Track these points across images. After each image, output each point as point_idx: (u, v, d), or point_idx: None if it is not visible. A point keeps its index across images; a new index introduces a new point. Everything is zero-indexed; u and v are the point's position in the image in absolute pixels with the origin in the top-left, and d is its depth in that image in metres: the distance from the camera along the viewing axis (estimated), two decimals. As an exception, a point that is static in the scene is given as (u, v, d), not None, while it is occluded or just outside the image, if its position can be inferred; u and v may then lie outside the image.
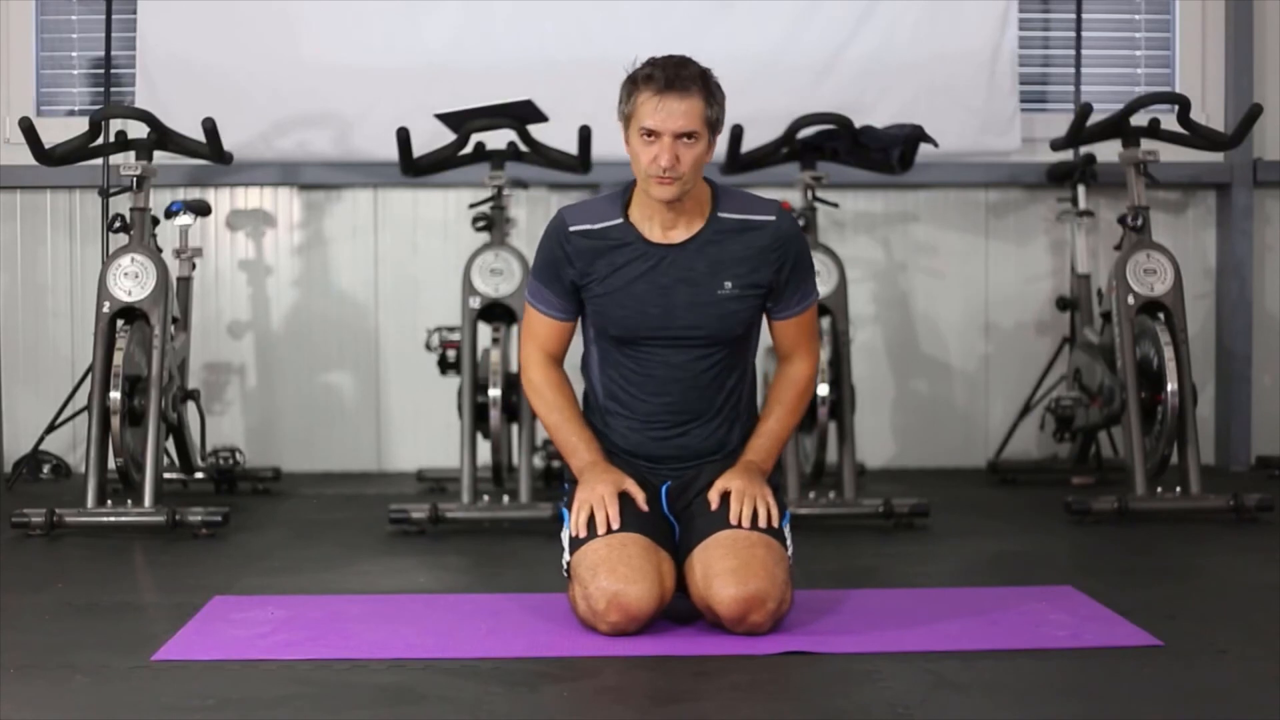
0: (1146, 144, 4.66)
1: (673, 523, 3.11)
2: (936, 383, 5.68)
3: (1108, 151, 4.98)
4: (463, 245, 5.20)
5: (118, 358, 4.24)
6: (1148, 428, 4.49)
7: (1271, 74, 5.60)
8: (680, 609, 3.05)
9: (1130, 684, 2.66)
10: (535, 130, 4.71)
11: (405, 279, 5.59)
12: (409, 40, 5.42)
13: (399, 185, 5.49)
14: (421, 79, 5.34)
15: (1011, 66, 5.51)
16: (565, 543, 3.09)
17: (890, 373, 5.66)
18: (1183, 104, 4.66)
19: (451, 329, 4.75)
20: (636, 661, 2.81)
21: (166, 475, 4.84)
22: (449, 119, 4.66)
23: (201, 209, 5.09)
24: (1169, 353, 4.42)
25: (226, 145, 4.62)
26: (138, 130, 4.57)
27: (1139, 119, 4.65)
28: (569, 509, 3.10)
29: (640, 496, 3.06)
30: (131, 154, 4.56)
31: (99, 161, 4.92)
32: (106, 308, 4.32)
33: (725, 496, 3.06)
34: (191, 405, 4.93)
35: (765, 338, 3.25)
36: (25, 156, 4.55)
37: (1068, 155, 5.37)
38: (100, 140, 4.58)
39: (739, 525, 3.01)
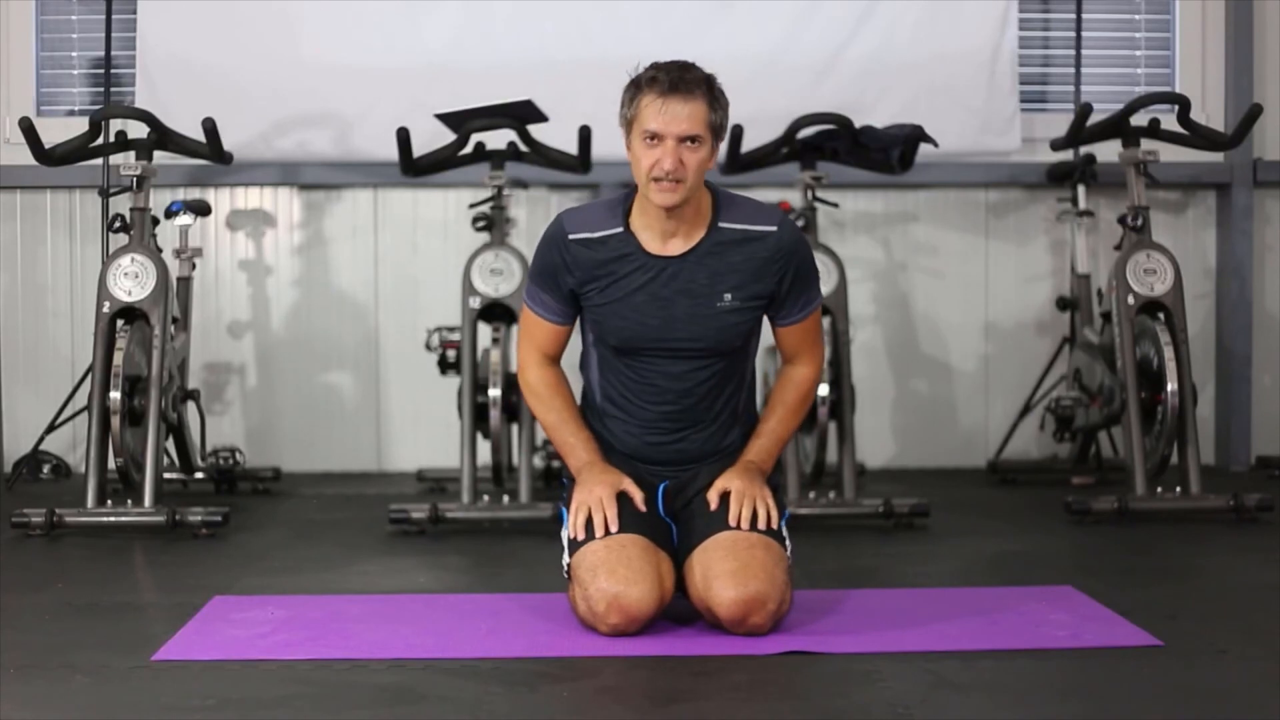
0: (1146, 144, 4.65)
1: (670, 523, 3.11)
2: (936, 383, 5.68)
3: (1108, 151, 4.98)
4: (463, 245, 5.20)
5: (118, 358, 4.24)
6: (1148, 428, 4.49)
7: (1271, 74, 5.60)
8: (680, 609, 3.05)
9: (1130, 684, 2.66)
10: (535, 130, 4.71)
11: (405, 279, 5.59)
12: (409, 40, 5.42)
13: (399, 185, 5.49)
14: (421, 79, 5.34)
15: (1011, 66, 5.51)
16: (565, 543, 3.09)
17: (890, 373, 5.66)
18: (1183, 104, 4.66)
19: (451, 329, 4.75)
20: (636, 661, 2.81)
21: (166, 475, 4.83)
22: (449, 119, 4.66)
23: (201, 209, 5.09)
24: (1169, 353, 4.42)
25: (226, 145, 4.62)
26: (138, 130, 4.57)
27: (1139, 119, 4.65)
28: (568, 508, 3.10)
29: (638, 496, 3.06)
30: (131, 154, 4.55)
31: (99, 161, 4.92)
32: (106, 308, 4.32)
33: (725, 497, 3.06)
34: (191, 405, 4.93)
35: (766, 336, 3.24)
36: (25, 156, 4.55)
37: (1068, 155, 5.37)
38: (100, 140, 4.58)
39: (738, 526, 3.01)
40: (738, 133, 4.79)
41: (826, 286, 4.61)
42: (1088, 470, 5.25)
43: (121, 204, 4.75)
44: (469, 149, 4.74)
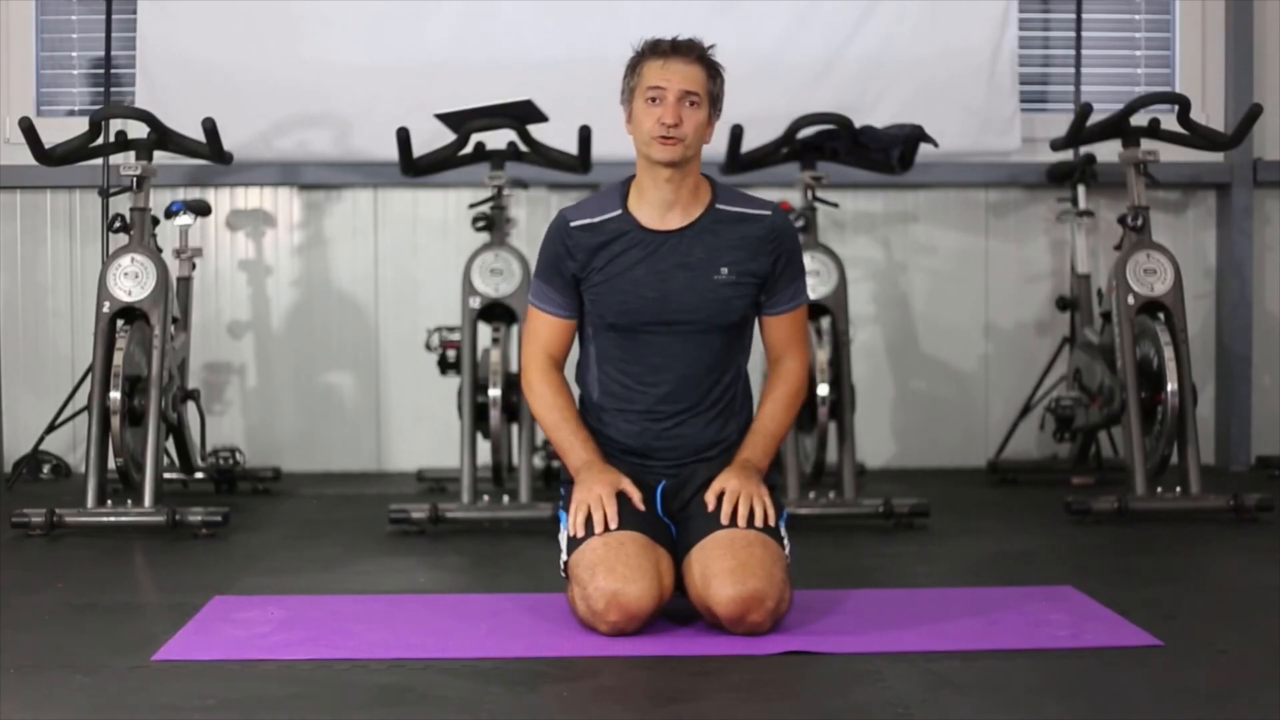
0: (1146, 144, 4.66)
1: (668, 523, 3.11)
2: (936, 383, 5.68)
3: (1108, 151, 4.98)
4: (463, 245, 5.20)
5: (118, 358, 4.24)
6: (1148, 428, 4.49)
7: (1271, 74, 5.60)
8: (680, 609, 3.05)
9: (1130, 684, 2.66)
10: (535, 130, 4.71)
11: (405, 279, 5.59)
12: (409, 40, 5.42)
13: (399, 185, 5.49)
14: (421, 78, 5.34)
15: (1011, 66, 5.51)
16: (563, 544, 3.10)
17: (890, 373, 5.66)
18: (1183, 104, 4.66)
19: (451, 329, 4.75)
20: (636, 661, 2.81)
21: (166, 475, 4.84)
22: (449, 119, 4.66)
23: (201, 209, 5.09)
24: (1169, 353, 4.42)
25: (226, 145, 4.62)
26: (138, 130, 4.57)
27: (1139, 119, 4.65)
28: (566, 510, 3.10)
29: (636, 495, 3.07)
30: (131, 154, 4.56)
31: (99, 161, 4.92)
32: (106, 308, 4.32)
33: (722, 496, 3.06)
34: (191, 405, 4.93)
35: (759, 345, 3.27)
36: (25, 156, 4.55)
37: (1068, 155, 5.37)
38: (100, 140, 4.58)
39: (734, 524, 3.01)
40: (738, 133, 4.79)
41: (826, 286, 4.62)
42: (1088, 470, 5.25)
43: (121, 204, 4.75)
44: (469, 149, 4.74)
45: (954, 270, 5.67)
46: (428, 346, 4.82)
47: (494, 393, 4.47)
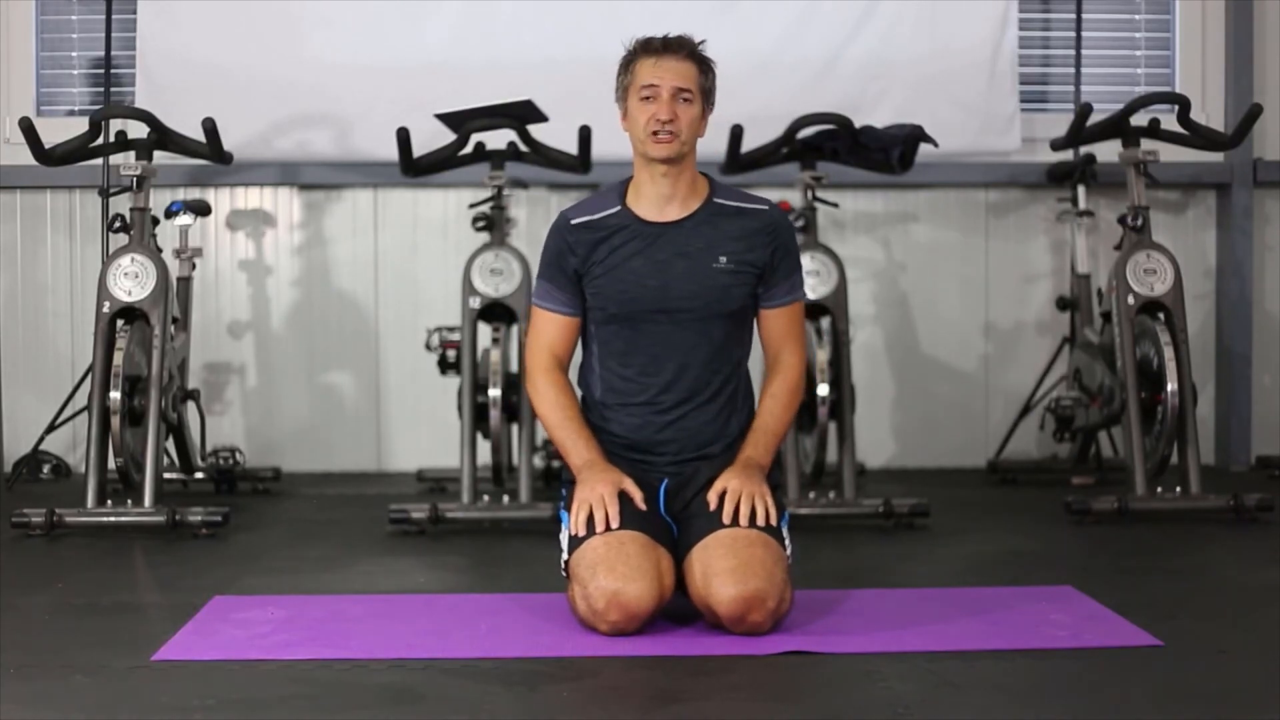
0: (1146, 144, 4.65)
1: (670, 522, 3.12)
2: (936, 383, 5.68)
3: (1108, 151, 4.98)
4: (463, 245, 5.20)
5: (118, 358, 4.24)
6: (1148, 428, 4.49)
7: (1271, 74, 5.60)
8: (680, 609, 3.05)
9: (1130, 684, 2.66)
10: (535, 130, 4.71)
11: (405, 279, 5.59)
12: (409, 40, 5.42)
13: (399, 185, 5.49)
14: (421, 78, 5.35)
15: (1011, 66, 5.51)
16: (564, 543, 3.10)
17: (890, 373, 5.66)
18: (1183, 104, 4.66)
19: (451, 329, 4.75)
20: (636, 661, 2.81)
21: (166, 475, 4.84)
22: (449, 119, 4.66)
23: (201, 209, 5.09)
24: (1169, 353, 4.42)
25: (226, 145, 4.62)
26: (138, 130, 4.57)
27: (1139, 119, 4.65)
28: (568, 510, 3.11)
29: (638, 495, 3.07)
30: (131, 154, 4.55)
31: (99, 161, 4.92)
32: (106, 308, 4.32)
33: (724, 496, 3.06)
34: (191, 405, 4.93)
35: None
36: (25, 156, 4.55)
37: (1068, 155, 5.37)
38: (100, 140, 4.58)
39: (735, 524, 3.01)
40: (738, 133, 4.78)
41: (826, 286, 4.62)
42: (1088, 470, 5.25)
43: (121, 204, 4.75)
44: (469, 149, 4.74)
45: (954, 270, 5.67)
46: (428, 346, 4.82)
47: (494, 393, 4.47)
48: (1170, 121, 4.68)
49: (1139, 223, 4.61)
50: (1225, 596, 3.43)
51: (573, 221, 3.21)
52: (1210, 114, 5.56)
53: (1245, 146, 5.31)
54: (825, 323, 4.65)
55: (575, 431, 3.19)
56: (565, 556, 3.08)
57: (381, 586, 3.54)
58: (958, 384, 5.68)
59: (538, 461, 4.87)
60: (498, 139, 4.76)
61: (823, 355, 4.54)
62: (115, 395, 4.19)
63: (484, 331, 4.65)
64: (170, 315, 4.47)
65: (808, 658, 2.82)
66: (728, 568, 2.94)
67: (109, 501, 4.23)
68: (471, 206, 4.89)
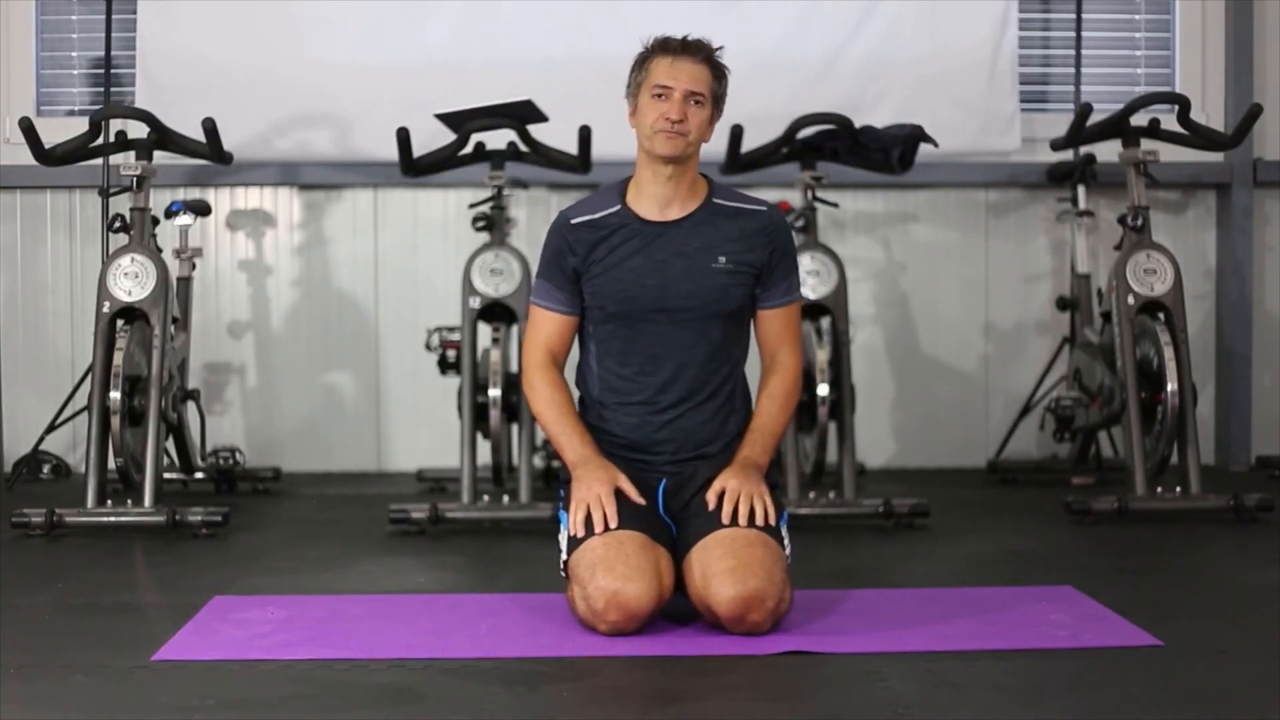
0: (1146, 144, 4.65)
1: (669, 523, 3.12)
2: (936, 383, 5.68)
3: (1108, 151, 4.98)
4: (463, 245, 5.20)
5: (118, 358, 4.24)
6: (1148, 428, 4.49)
7: (1271, 74, 5.60)
8: (680, 609, 3.05)
9: (1130, 684, 2.66)
10: (535, 130, 4.71)
11: (405, 279, 5.59)
12: (409, 40, 5.42)
13: (399, 185, 5.49)
14: (421, 78, 5.34)
15: (1011, 66, 5.51)
16: (563, 543, 3.10)
17: (890, 373, 5.66)
18: (1183, 104, 4.66)
19: (451, 329, 4.75)
20: (636, 661, 2.81)
21: (166, 475, 4.84)
22: (449, 119, 4.66)
23: (201, 209, 5.09)
24: (1169, 353, 4.42)
25: (226, 145, 4.62)
26: (138, 130, 4.56)
27: (1139, 119, 4.65)
28: (566, 510, 3.11)
29: (634, 492, 3.07)
30: (131, 154, 4.55)
31: (99, 161, 4.92)
32: (106, 308, 4.32)
33: (722, 496, 3.06)
34: (191, 405, 4.93)
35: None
36: (25, 156, 4.55)
37: (1068, 155, 5.37)
38: (100, 140, 4.58)
39: (734, 523, 3.01)
40: (738, 133, 4.78)
41: (826, 286, 4.62)
42: (1088, 470, 5.25)
43: (121, 204, 4.75)
44: (469, 149, 4.74)
45: (954, 270, 5.67)
46: (428, 346, 4.82)
47: (494, 393, 4.47)
48: (1170, 121, 4.68)
49: (1139, 223, 4.61)
50: (1225, 596, 3.43)
51: (572, 221, 3.22)
52: (1210, 114, 5.56)
53: (1245, 146, 5.31)
54: (825, 323, 4.65)
55: (570, 428, 3.19)
56: (564, 557, 3.08)
57: (381, 586, 3.54)
58: (958, 384, 5.68)
59: (538, 461, 4.87)
60: (498, 139, 4.76)
61: (823, 355, 4.54)
62: (115, 395, 4.19)
63: (484, 331, 4.65)
64: (170, 315, 4.47)
65: (807, 658, 2.82)
66: (727, 568, 2.94)
67: (109, 501, 4.22)
68: (471, 206, 4.89)
